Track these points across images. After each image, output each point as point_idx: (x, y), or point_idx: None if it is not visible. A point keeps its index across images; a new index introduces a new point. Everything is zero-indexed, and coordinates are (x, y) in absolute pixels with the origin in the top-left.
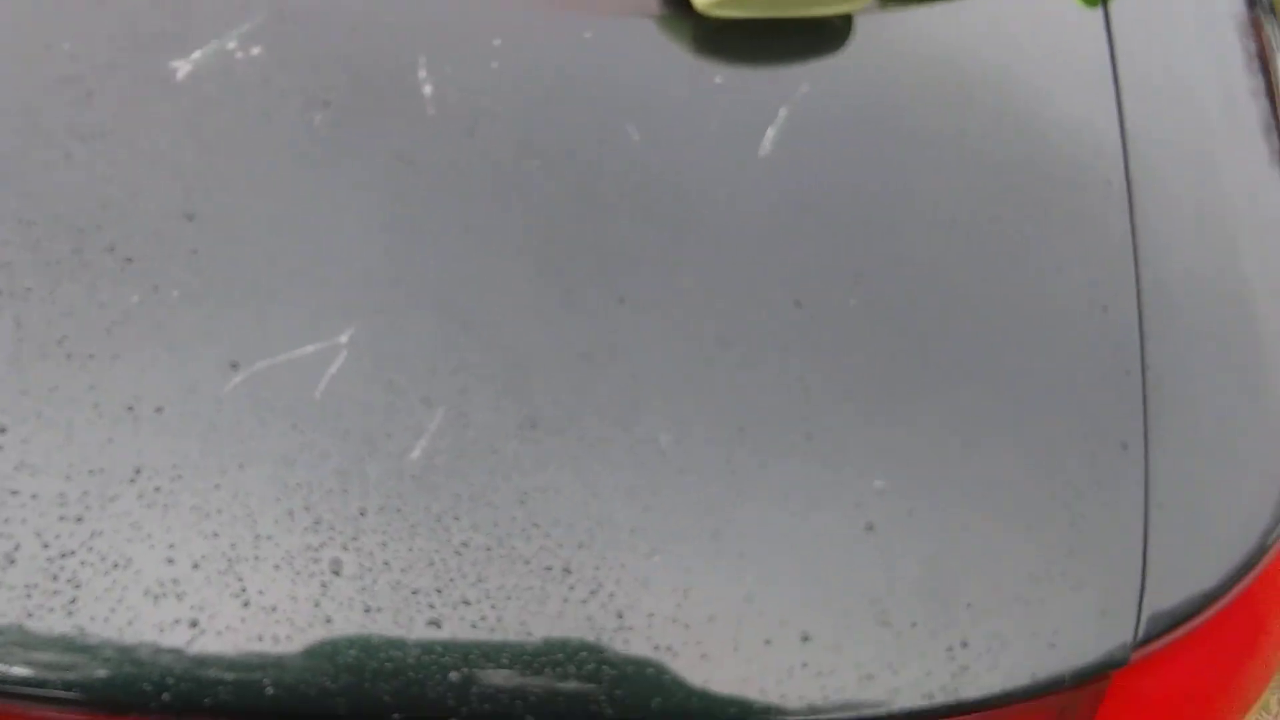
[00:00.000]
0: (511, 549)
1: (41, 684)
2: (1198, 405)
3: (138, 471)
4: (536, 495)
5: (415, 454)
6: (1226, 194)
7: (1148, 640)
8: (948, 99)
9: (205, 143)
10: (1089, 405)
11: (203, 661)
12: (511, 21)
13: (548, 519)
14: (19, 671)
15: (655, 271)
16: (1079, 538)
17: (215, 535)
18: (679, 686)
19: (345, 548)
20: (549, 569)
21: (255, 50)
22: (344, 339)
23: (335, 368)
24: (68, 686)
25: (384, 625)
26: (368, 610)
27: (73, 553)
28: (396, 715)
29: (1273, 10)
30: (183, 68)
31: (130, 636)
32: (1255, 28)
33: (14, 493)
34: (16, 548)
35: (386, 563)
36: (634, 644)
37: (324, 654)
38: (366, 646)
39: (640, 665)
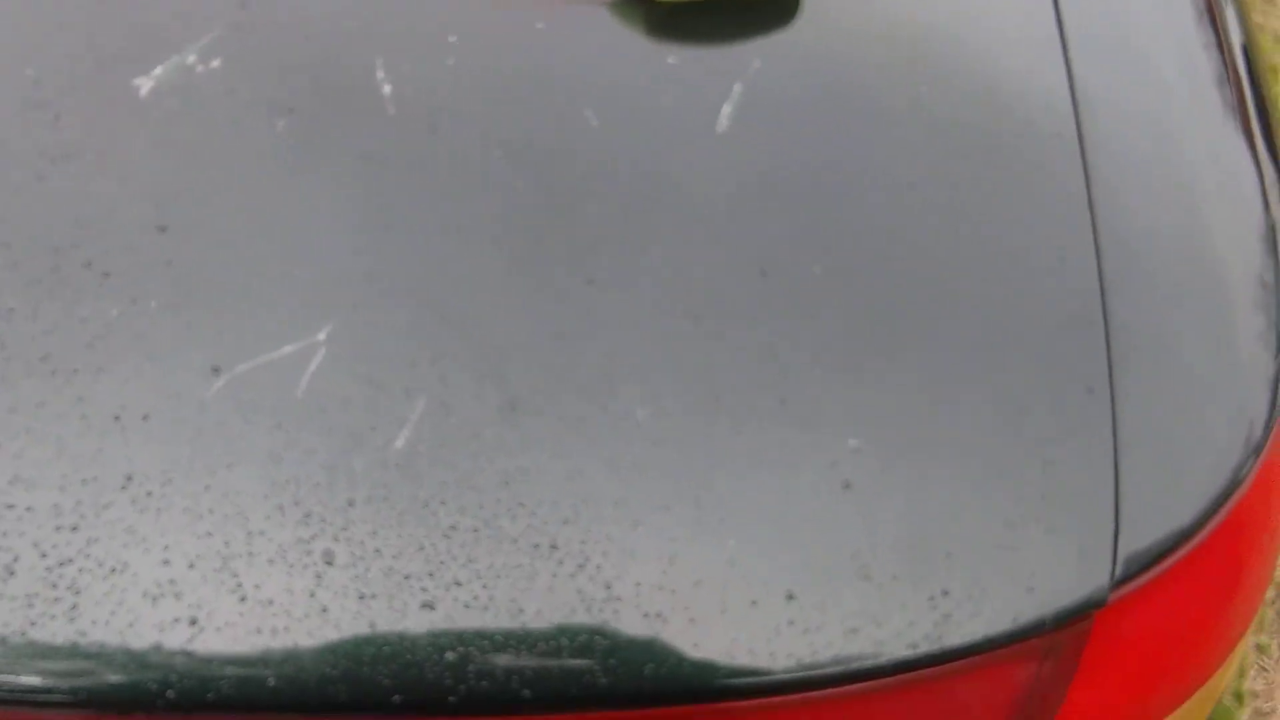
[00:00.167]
0: (499, 529)
1: (48, 690)
2: (1161, 349)
3: (129, 478)
4: (520, 475)
5: (399, 443)
6: (1182, 145)
7: (1125, 580)
8: (897, 65)
9: (173, 156)
10: (1053, 354)
11: (204, 658)
12: (466, 18)
13: (532, 498)
14: (25, 680)
15: (622, 251)
16: (1051, 483)
17: (209, 535)
18: (670, 651)
19: (336, 538)
20: (536, 546)
21: (215, 63)
22: (322, 336)
23: (315, 365)
24: (74, 691)
25: (379, 611)
26: (362, 597)
27: (71, 561)
28: (396, 698)
29: None
30: (145, 84)
31: (132, 638)
32: None
33: (10, 507)
34: (15, 559)
35: (378, 550)
36: (623, 613)
37: (322, 642)
38: (363, 632)
39: (631, 633)
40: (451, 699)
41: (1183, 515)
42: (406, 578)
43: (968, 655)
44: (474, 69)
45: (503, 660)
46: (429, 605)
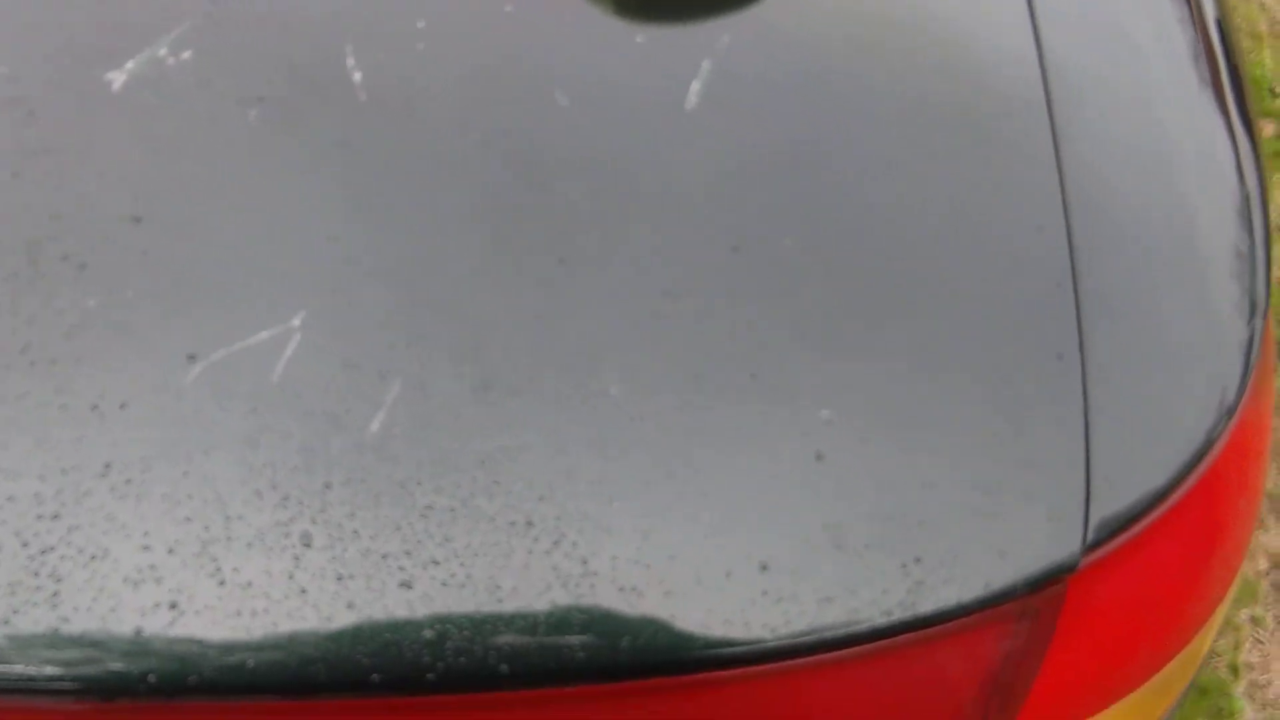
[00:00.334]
0: (475, 508)
1: (31, 678)
2: (1132, 315)
3: (108, 466)
4: (496, 455)
5: (375, 426)
6: (1154, 113)
7: (1098, 544)
8: (864, 39)
9: (147, 147)
10: (1022, 321)
11: (185, 641)
12: (434, 3)
13: (508, 476)
14: (8, 668)
15: (595, 231)
16: (1022, 448)
17: (188, 520)
18: (646, 624)
19: (314, 521)
20: (513, 524)
21: (186, 55)
22: (297, 322)
23: (291, 350)
24: (56, 677)
25: (357, 591)
26: (340, 578)
27: (52, 548)
28: (375, 676)
29: None
30: (118, 78)
31: (113, 623)
32: None
33: None
34: None
35: (355, 531)
36: (599, 588)
37: (301, 623)
38: (342, 613)
39: (607, 607)
40: (430, 676)
41: (1155, 479)
42: (384, 557)
43: (941, 622)
44: (443, 53)
45: (480, 637)
46: (406, 584)
